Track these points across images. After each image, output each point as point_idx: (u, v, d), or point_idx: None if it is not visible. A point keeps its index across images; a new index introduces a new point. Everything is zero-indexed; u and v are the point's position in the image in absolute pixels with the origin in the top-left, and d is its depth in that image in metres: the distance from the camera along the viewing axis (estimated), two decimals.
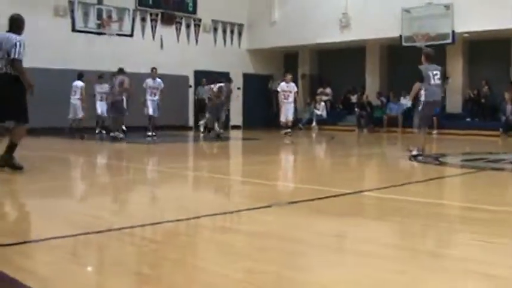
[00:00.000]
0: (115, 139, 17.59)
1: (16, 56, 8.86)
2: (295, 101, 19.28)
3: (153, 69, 20.08)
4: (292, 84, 19.47)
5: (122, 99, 18.75)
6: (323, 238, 4.90)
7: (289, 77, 19.61)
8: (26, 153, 10.80)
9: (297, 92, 19.78)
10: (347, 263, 4.02)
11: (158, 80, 19.90)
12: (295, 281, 3.59)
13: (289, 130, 18.69)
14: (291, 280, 3.60)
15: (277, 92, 19.50)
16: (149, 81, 19.80)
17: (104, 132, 20.78)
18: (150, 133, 19.49)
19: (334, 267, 3.92)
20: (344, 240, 4.85)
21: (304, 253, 4.34)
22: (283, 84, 19.36)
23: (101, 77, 20.98)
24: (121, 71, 19.11)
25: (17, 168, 8.99)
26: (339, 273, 3.75)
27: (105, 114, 20.59)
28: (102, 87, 20.75)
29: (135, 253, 4.36)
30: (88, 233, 4.86)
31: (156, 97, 19.80)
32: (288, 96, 19.08)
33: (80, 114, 19.74)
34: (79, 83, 19.86)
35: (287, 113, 18.97)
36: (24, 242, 4.56)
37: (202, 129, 22.01)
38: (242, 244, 4.61)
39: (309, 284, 3.51)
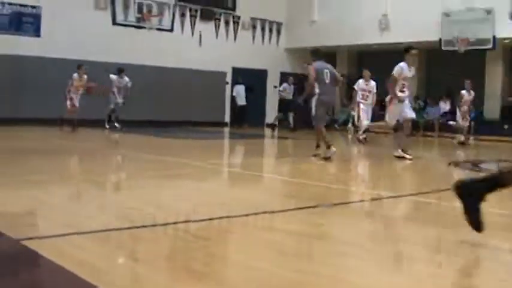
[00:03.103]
0: None
1: None
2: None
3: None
4: (373, 84, 17.93)
5: None
6: (374, 241, 4.90)
7: (367, 73, 18.07)
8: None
9: (377, 93, 17.93)
10: (403, 268, 4.00)
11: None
12: (352, 284, 3.59)
13: (365, 135, 17.43)
14: (346, 283, 3.60)
15: (353, 89, 18.22)
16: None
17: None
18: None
19: (391, 272, 3.91)
20: (396, 244, 4.84)
21: (356, 256, 4.33)
22: (361, 82, 17.97)
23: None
24: None
25: None
26: (396, 278, 3.74)
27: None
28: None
29: (184, 249, 4.38)
30: (134, 227, 4.91)
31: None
32: (367, 97, 17.77)
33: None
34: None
35: (367, 116, 17.66)
36: (75, 233, 4.61)
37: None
38: (292, 244, 4.62)
39: None
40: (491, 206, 7.53)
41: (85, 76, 19.10)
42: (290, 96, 24.49)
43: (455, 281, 3.71)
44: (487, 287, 3.67)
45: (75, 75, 18.92)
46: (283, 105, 25.02)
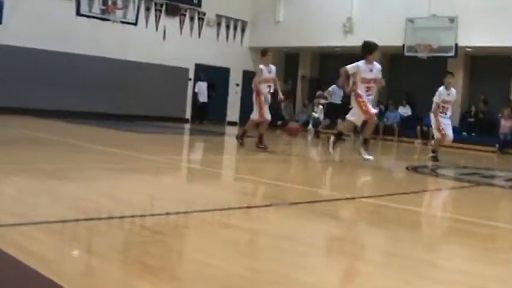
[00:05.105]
0: None
1: None
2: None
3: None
4: (454, 92, 14.35)
5: None
6: (327, 241, 4.93)
7: (451, 80, 14.29)
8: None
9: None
10: (353, 269, 4.02)
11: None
12: (304, 283, 3.59)
13: (435, 154, 14.11)
14: (299, 282, 3.60)
15: (436, 103, 13.98)
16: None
17: None
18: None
19: (341, 272, 3.93)
20: (349, 244, 4.86)
21: (310, 255, 4.34)
22: (442, 91, 13.99)
23: None
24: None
25: None
26: (346, 278, 3.76)
27: None
28: None
29: (140, 243, 4.34)
30: (89, 219, 4.87)
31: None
32: (448, 109, 14.09)
33: None
34: None
35: (450, 131, 14.15)
36: (26, 224, 4.55)
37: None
38: (247, 241, 4.62)
39: None
40: (450, 211, 7.64)
41: (272, 66, 13.69)
42: (339, 101, 21.54)
43: (399, 280, 3.73)
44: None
45: (262, 66, 13.54)
46: (331, 110, 21.88)
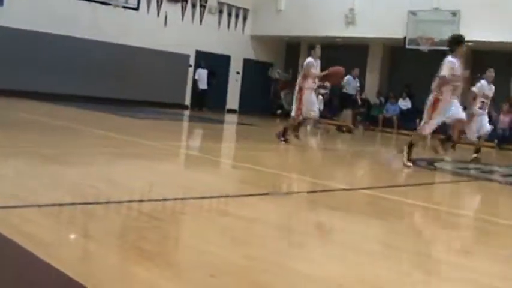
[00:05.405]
0: None
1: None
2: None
3: None
4: (493, 87, 13.78)
5: None
6: (324, 231, 4.92)
7: (492, 74, 13.87)
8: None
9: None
10: (349, 259, 4.02)
11: None
12: (299, 273, 3.59)
13: (477, 155, 13.38)
14: (294, 272, 3.60)
15: (475, 94, 13.51)
16: None
17: None
18: None
19: (337, 262, 3.92)
20: (346, 236, 4.85)
21: (306, 245, 4.34)
22: (484, 85, 13.64)
23: None
24: None
25: None
26: (342, 269, 3.75)
27: None
28: None
29: (137, 228, 4.34)
30: (87, 203, 4.86)
31: None
32: (486, 104, 13.53)
33: None
34: None
35: (484, 126, 13.41)
36: (24, 206, 4.54)
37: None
38: (244, 230, 4.61)
39: (314, 278, 3.51)
40: (448, 205, 7.63)
41: (318, 61, 13.26)
42: (353, 91, 21.68)
43: (397, 272, 3.73)
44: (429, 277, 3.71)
45: (310, 59, 13.11)
46: (345, 100, 21.92)
